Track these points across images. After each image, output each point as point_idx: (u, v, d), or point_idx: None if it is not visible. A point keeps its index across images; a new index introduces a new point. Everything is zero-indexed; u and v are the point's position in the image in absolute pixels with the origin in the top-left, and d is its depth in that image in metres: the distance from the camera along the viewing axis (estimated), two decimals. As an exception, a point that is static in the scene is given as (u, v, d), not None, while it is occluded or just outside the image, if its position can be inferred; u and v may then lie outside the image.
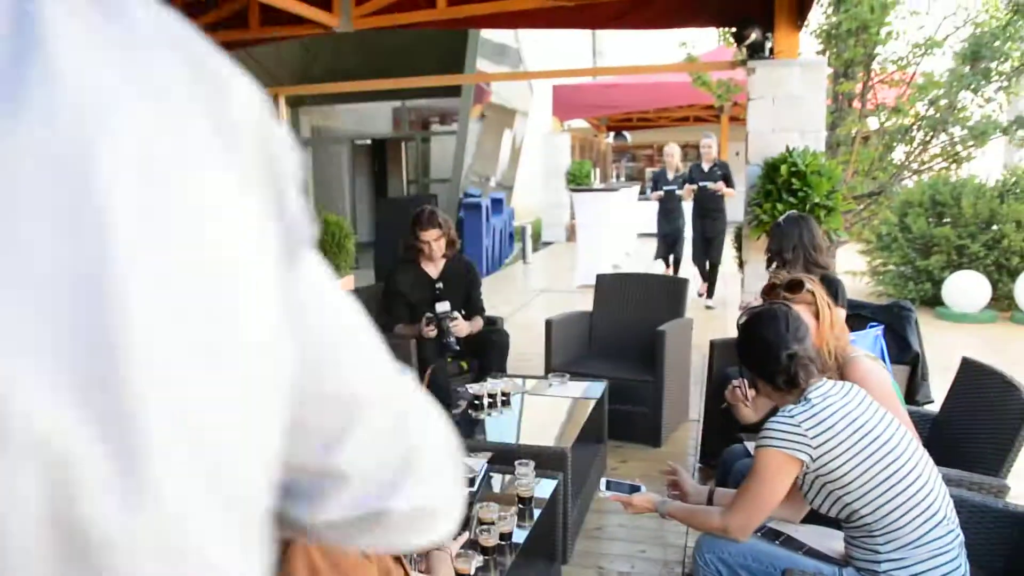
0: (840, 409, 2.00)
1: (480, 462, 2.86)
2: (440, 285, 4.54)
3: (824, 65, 5.09)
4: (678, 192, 8.30)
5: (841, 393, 2.06)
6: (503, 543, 2.31)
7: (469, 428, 3.49)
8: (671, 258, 8.81)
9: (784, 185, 4.86)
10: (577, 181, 13.60)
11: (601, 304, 5.06)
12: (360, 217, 14.78)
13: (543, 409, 3.69)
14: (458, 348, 4.31)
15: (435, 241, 4.45)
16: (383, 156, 15.64)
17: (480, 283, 4.75)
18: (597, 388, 3.86)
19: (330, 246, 6.43)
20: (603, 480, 2.53)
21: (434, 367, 3.08)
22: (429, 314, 4.28)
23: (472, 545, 2.24)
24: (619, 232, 10.84)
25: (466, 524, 2.40)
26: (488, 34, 11.56)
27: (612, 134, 20.97)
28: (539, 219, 16.09)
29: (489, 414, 3.60)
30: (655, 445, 4.37)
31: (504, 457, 2.93)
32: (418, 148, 14.50)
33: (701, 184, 7.83)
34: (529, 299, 9.30)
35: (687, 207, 8.36)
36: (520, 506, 2.56)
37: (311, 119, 13.48)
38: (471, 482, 2.70)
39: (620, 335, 4.91)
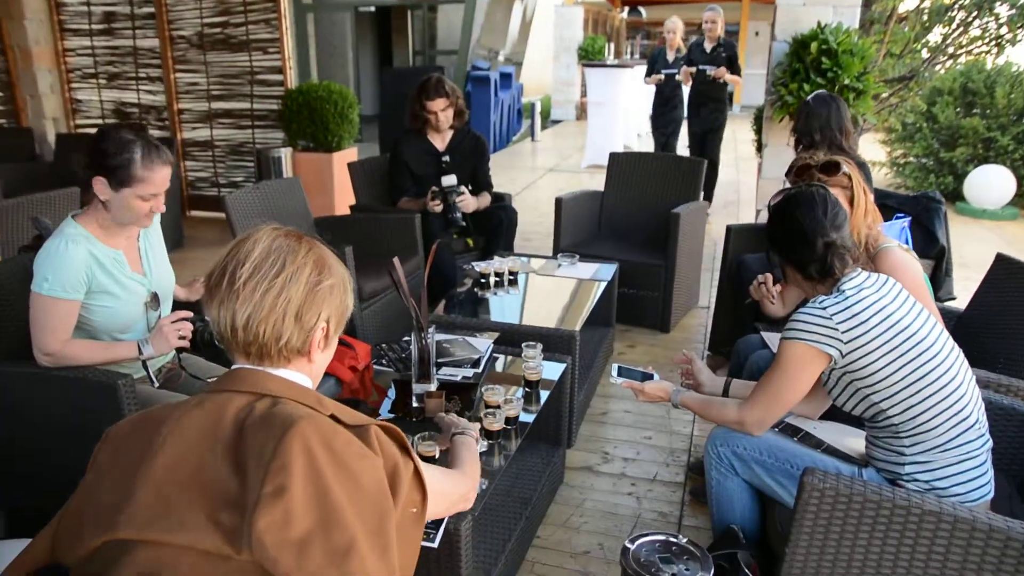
0: (875, 303, 1.86)
1: (486, 343, 2.76)
2: (447, 158, 4.34)
3: (867, -68, 4.70)
4: (677, 77, 7.01)
5: (876, 286, 1.91)
6: (509, 427, 2.23)
7: (474, 307, 3.38)
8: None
9: (813, 64, 4.58)
10: (589, 57, 13.07)
11: (613, 184, 4.86)
12: (364, 88, 14.31)
13: (551, 290, 3.57)
14: (464, 224, 4.15)
15: (442, 111, 4.22)
16: (388, 25, 14.99)
17: (488, 157, 4.54)
18: (608, 270, 3.73)
19: (333, 116, 6.16)
20: (615, 366, 2.42)
21: (440, 242, 2.93)
22: (435, 188, 4.11)
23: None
24: (631, 112, 10.46)
25: (472, 406, 2.32)
26: None
27: (627, 9, 20.08)
28: (548, 96, 15.59)
29: (495, 293, 3.48)
30: (664, 331, 4.28)
31: (510, 338, 2.83)
32: (424, 18, 13.85)
33: (700, 67, 6.70)
34: (536, 178, 9.08)
35: (687, 93, 7.14)
36: (527, 389, 2.47)
37: (313, -19, 12.79)
38: (476, 363, 2.61)
39: (631, 217, 4.75)
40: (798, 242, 1.95)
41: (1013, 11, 5.47)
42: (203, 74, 6.70)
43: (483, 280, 3.52)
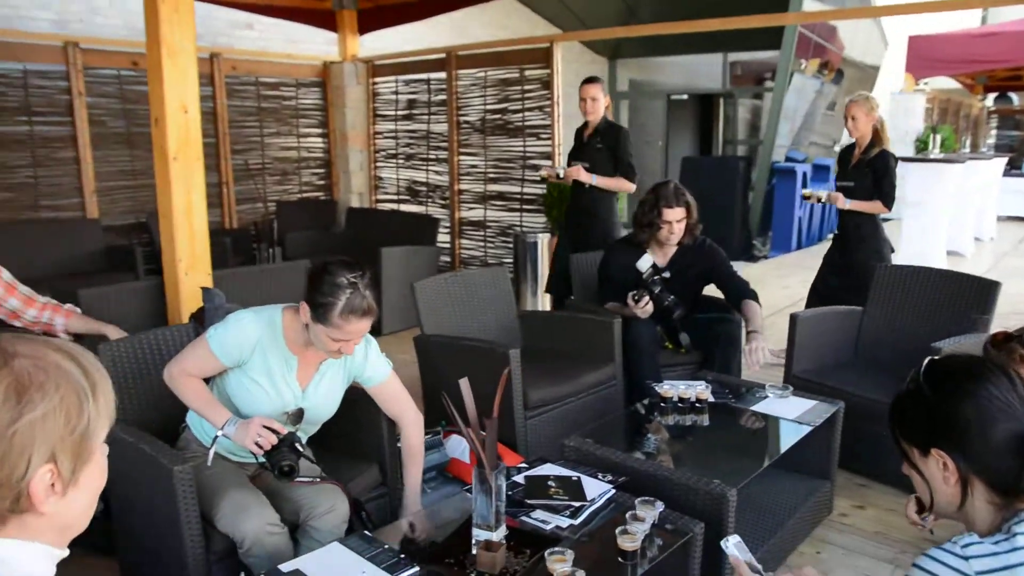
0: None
1: (604, 488, 2.29)
2: (666, 274, 3.84)
3: None
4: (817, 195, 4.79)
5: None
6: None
7: (639, 436, 2.92)
8: None
9: None
10: (928, 150, 11.61)
11: (878, 302, 4.05)
12: (673, 176, 14.16)
13: (740, 429, 2.96)
14: (682, 310, 3.65)
15: (678, 222, 3.76)
16: (706, 113, 14.74)
17: (726, 261, 3.97)
18: (823, 411, 3.00)
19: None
20: (732, 537, 1.67)
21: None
22: (633, 293, 3.63)
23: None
24: (961, 213, 8.98)
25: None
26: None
27: (992, 95, 17.70)
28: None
29: (676, 420, 2.98)
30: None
31: (642, 485, 2.33)
32: (736, 105, 13.39)
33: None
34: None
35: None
36: (620, 560, 1.96)
37: (628, 72, 13.04)
38: (574, 512, 2.15)
39: (895, 343, 3.89)
40: (972, 425, 1.28)
41: None
42: (482, 157, 6.96)
43: (663, 404, 3.04)
